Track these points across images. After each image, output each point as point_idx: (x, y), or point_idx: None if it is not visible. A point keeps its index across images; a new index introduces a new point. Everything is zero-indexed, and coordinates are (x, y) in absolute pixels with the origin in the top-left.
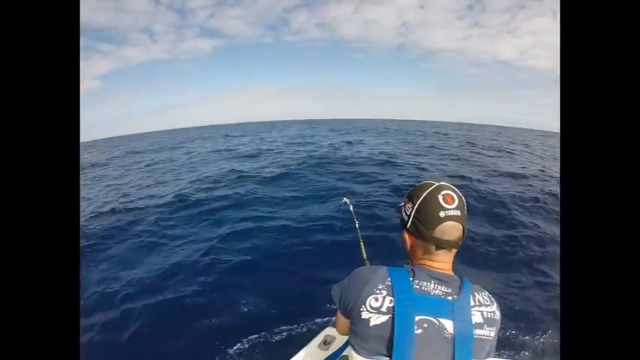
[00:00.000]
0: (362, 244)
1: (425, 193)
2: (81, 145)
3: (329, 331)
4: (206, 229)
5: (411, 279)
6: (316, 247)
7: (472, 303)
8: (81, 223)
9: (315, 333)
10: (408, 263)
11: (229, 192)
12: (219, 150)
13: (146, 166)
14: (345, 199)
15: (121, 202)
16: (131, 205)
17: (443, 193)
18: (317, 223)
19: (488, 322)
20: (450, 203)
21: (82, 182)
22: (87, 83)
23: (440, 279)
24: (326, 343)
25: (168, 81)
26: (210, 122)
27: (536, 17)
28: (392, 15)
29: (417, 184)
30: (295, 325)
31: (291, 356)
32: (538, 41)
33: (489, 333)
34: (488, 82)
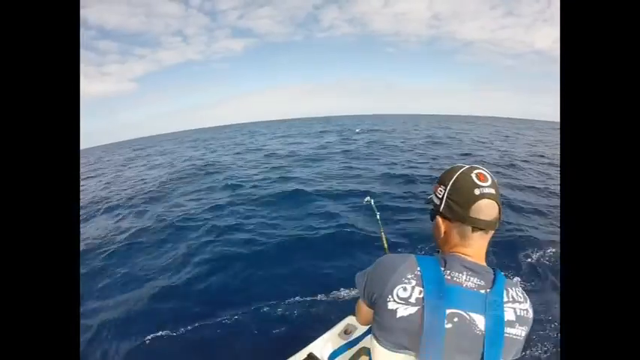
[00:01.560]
0: (383, 234)
1: (457, 174)
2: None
3: (350, 320)
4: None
5: (442, 269)
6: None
7: (505, 299)
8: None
9: (338, 320)
10: (437, 252)
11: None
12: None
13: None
14: (367, 197)
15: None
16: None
17: (476, 172)
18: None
19: (520, 320)
20: (484, 181)
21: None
22: (123, 85)
23: (473, 269)
24: (347, 332)
25: (202, 81)
26: (246, 119)
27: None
28: (422, 7)
29: (447, 169)
30: (317, 310)
31: (311, 341)
32: None
33: (520, 332)
34: (525, 73)
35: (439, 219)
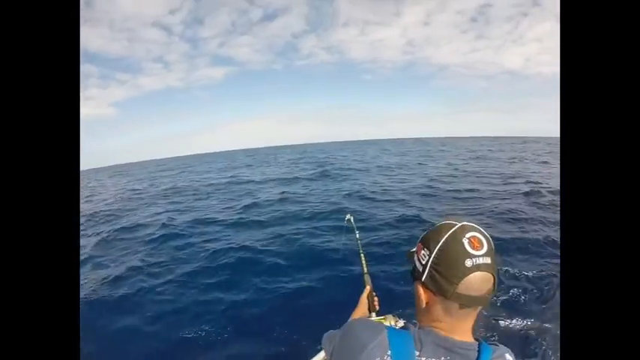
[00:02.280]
0: (362, 256)
1: (445, 236)
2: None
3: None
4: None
5: (417, 353)
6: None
7: None
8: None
9: (314, 353)
10: (415, 324)
11: None
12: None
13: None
14: (348, 215)
15: None
16: None
17: (468, 235)
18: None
19: None
20: (478, 248)
21: None
22: (103, 110)
23: (453, 350)
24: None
25: (182, 108)
26: (225, 148)
27: (539, 24)
28: (397, 34)
29: (433, 227)
30: (296, 341)
31: None
32: (543, 47)
33: None
34: (497, 93)
35: (420, 288)
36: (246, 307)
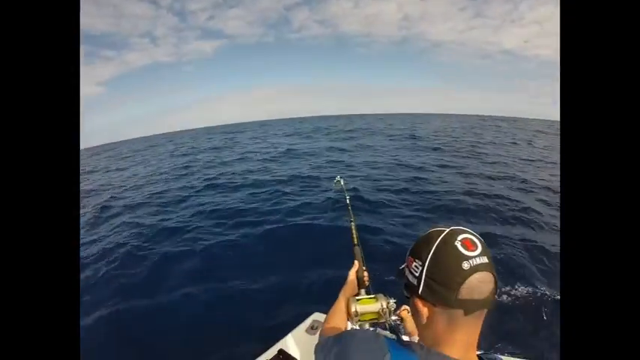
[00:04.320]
0: (353, 225)
1: (436, 243)
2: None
3: (316, 316)
4: None
5: None
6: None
7: None
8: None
9: (304, 317)
10: (420, 346)
11: None
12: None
13: None
14: (337, 177)
15: None
16: None
17: (460, 238)
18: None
19: None
20: (473, 249)
21: None
22: (89, 89)
23: None
24: (313, 328)
25: (172, 84)
26: (217, 122)
27: (540, 6)
28: (392, 9)
29: (420, 237)
30: (284, 310)
31: (278, 340)
32: (542, 30)
33: None
34: (494, 72)
35: (418, 302)
36: (227, 280)
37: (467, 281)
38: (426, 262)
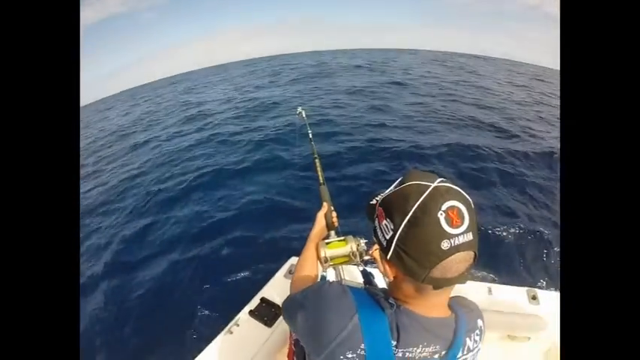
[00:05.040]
0: (317, 162)
1: (414, 208)
2: None
3: (293, 260)
4: None
5: (394, 343)
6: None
7: (460, 354)
8: None
9: (282, 263)
10: (387, 299)
11: None
12: None
13: None
14: (299, 109)
15: None
16: None
17: (445, 206)
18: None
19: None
20: (458, 224)
21: None
22: None
23: (432, 331)
24: (291, 272)
25: (129, 36)
26: (185, 69)
27: None
28: None
29: (400, 178)
30: (260, 257)
31: (260, 289)
32: None
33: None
34: (473, 11)
35: (385, 264)
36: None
37: (443, 262)
38: (399, 228)
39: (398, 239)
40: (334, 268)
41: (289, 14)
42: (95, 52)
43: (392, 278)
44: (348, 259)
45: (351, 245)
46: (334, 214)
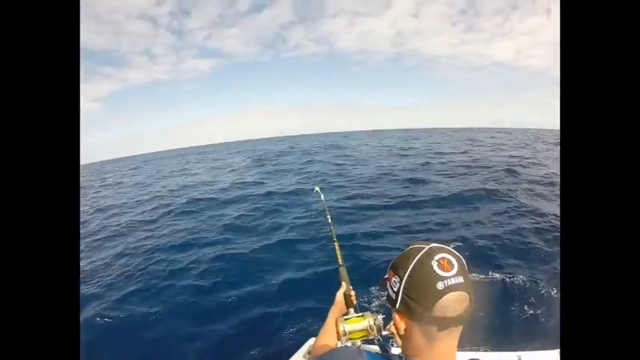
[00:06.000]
0: (336, 245)
1: (413, 262)
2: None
3: (312, 341)
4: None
5: None
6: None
7: None
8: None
9: (301, 343)
10: (399, 357)
11: None
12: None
13: None
14: (316, 187)
15: None
16: None
17: (437, 257)
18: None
19: None
20: (449, 269)
21: None
22: (87, 105)
23: None
24: (310, 353)
25: (169, 102)
26: (214, 141)
27: (529, 17)
28: (385, 25)
29: (402, 252)
30: (280, 338)
31: None
32: (533, 41)
33: None
34: (486, 85)
35: (396, 315)
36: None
37: (440, 300)
38: (403, 279)
39: (403, 288)
40: (353, 343)
41: (316, 95)
42: (134, 112)
43: (403, 331)
44: (366, 333)
45: (369, 320)
46: (353, 292)
